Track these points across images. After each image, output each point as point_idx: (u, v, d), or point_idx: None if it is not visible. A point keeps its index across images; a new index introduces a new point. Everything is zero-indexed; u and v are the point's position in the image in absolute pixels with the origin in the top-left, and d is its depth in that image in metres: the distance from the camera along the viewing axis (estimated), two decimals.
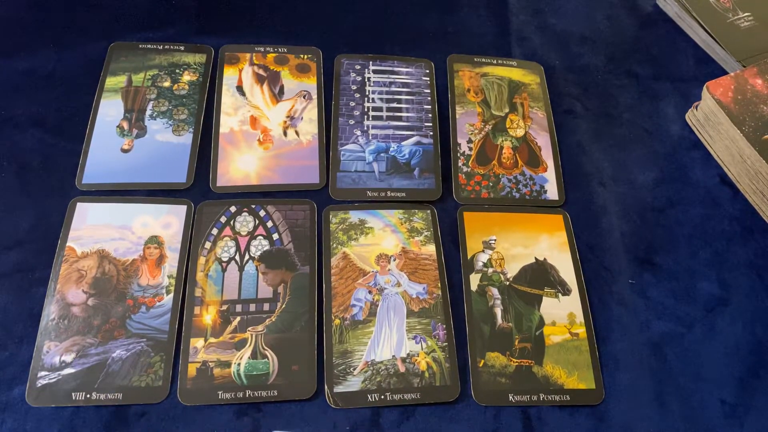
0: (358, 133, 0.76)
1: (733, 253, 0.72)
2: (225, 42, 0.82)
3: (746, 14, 0.89)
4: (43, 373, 0.58)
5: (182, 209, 0.69)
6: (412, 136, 0.77)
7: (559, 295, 0.68)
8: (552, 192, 0.75)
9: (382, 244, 0.69)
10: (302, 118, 0.77)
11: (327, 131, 0.76)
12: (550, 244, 0.71)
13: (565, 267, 0.70)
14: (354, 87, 0.80)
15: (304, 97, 0.78)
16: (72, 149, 0.71)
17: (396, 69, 0.82)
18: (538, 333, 0.65)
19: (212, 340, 0.62)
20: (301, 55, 0.82)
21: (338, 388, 0.60)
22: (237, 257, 0.67)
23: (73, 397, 0.58)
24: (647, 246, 0.72)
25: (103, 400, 0.58)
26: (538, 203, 0.74)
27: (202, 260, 0.66)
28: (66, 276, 0.63)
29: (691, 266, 0.71)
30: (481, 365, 0.63)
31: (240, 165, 0.72)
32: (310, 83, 0.80)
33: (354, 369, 0.61)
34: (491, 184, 0.75)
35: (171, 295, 0.64)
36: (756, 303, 0.69)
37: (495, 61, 0.85)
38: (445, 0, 0.91)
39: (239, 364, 0.61)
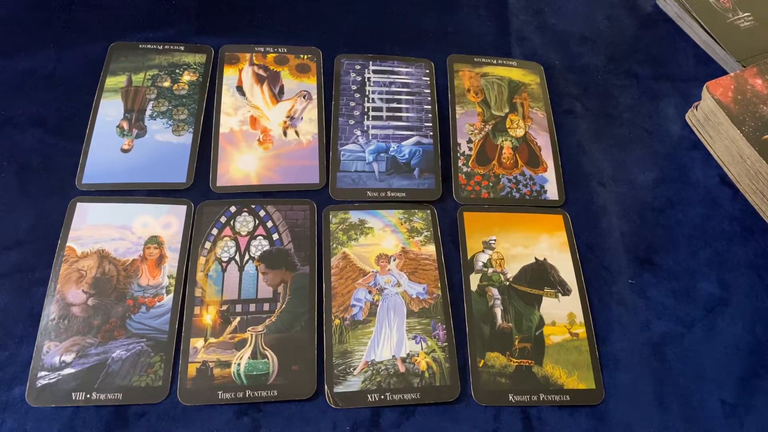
0: (358, 133, 0.77)
1: (733, 253, 0.72)
2: (225, 42, 0.82)
3: (746, 14, 0.89)
4: (43, 373, 0.58)
5: (182, 209, 0.69)
6: (412, 136, 0.77)
7: (559, 295, 0.68)
8: (552, 192, 0.75)
9: (382, 244, 0.69)
10: (302, 118, 0.77)
11: (327, 131, 0.76)
12: (550, 244, 0.71)
13: (565, 267, 0.70)
14: (354, 87, 0.80)
15: (304, 97, 0.78)
16: (72, 149, 0.71)
17: (396, 69, 0.82)
18: (538, 333, 0.65)
19: (212, 340, 0.62)
20: (301, 55, 0.82)
21: (338, 388, 0.60)
22: (237, 257, 0.67)
23: (73, 397, 0.58)
24: (647, 246, 0.72)
25: (103, 400, 0.58)
26: (538, 203, 0.74)
27: (202, 260, 0.66)
28: (66, 276, 0.63)
29: (691, 266, 0.71)
30: (481, 365, 0.63)
31: (240, 165, 0.72)
32: (310, 83, 0.80)
33: (354, 369, 0.61)
34: (491, 184, 0.75)
35: (171, 295, 0.64)
36: (756, 303, 0.69)
37: (495, 61, 0.85)
38: (445, 0, 0.91)
39: (239, 364, 0.61)
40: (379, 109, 0.79)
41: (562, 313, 0.67)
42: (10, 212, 0.67)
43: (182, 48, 0.80)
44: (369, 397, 0.60)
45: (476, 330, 0.65)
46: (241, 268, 0.66)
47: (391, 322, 0.64)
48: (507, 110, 0.81)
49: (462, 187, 0.74)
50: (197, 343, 0.61)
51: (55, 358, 0.59)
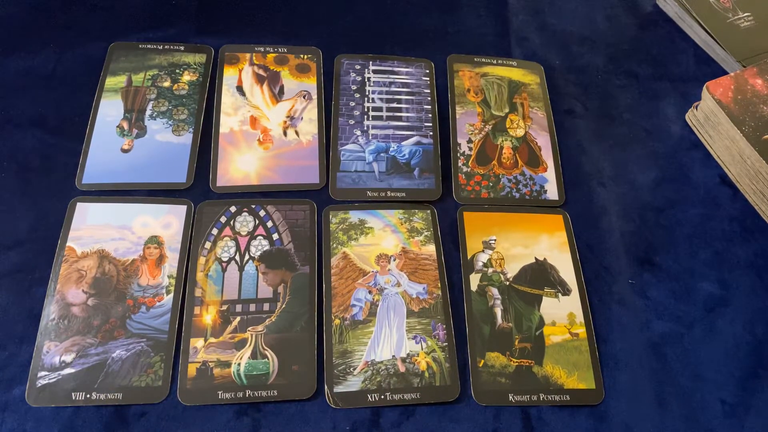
0: (358, 133, 0.77)
1: (733, 253, 0.72)
2: (225, 42, 0.82)
3: (746, 14, 0.89)
4: (43, 373, 0.58)
5: (182, 209, 0.69)
6: (412, 136, 0.77)
7: (559, 295, 0.68)
8: (552, 192, 0.75)
9: (382, 244, 0.69)
10: (302, 118, 0.77)
11: (327, 131, 0.76)
12: (550, 244, 0.71)
13: (565, 267, 0.70)
14: (354, 87, 0.80)
15: (304, 97, 0.78)
16: (72, 149, 0.71)
17: (396, 69, 0.82)
18: (538, 333, 0.65)
19: (212, 340, 0.62)
20: (301, 55, 0.82)
21: (338, 388, 0.60)
22: (237, 257, 0.67)
23: (73, 397, 0.58)
24: (647, 246, 0.72)
25: (103, 400, 0.58)
26: (538, 203, 0.74)
27: (202, 260, 0.66)
28: (66, 276, 0.63)
29: (691, 266, 0.71)
30: (481, 365, 0.63)
31: (240, 165, 0.72)
32: (310, 83, 0.80)
33: (354, 369, 0.61)
34: (491, 184, 0.75)
35: (171, 295, 0.64)
36: (756, 303, 0.69)
37: (495, 61, 0.85)
38: (445, 0, 0.91)
39: (239, 364, 0.61)
40: (379, 109, 0.79)
41: (562, 313, 0.67)
42: (10, 212, 0.67)
43: (182, 48, 0.80)
44: (369, 397, 0.60)
45: (476, 330, 0.65)
46: (241, 268, 0.66)
47: (391, 322, 0.64)
48: (507, 110, 0.81)
49: (462, 187, 0.74)
50: (197, 343, 0.61)
51: (55, 358, 0.59)
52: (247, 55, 0.81)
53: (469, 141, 0.77)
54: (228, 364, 0.60)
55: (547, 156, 0.78)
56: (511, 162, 0.77)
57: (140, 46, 0.80)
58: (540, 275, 0.69)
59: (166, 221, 0.68)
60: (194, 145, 0.73)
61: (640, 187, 0.77)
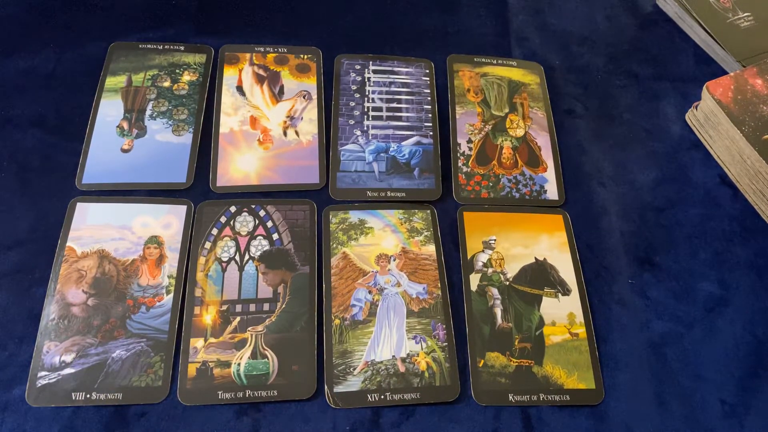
0: (358, 133, 0.77)
1: (733, 253, 0.72)
2: (225, 42, 0.82)
3: (746, 14, 0.89)
4: (43, 373, 0.58)
5: (182, 209, 0.69)
6: (412, 136, 0.77)
7: (559, 295, 0.68)
8: (552, 192, 0.75)
9: (382, 244, 0.69)
10: (302, 118, 0.77)
11: (327, 131, 0.76)
12: (550, 244, 0.71)
13: (565, 267, 0.70)
14: (354, 87, 0.80)
15: (304, 97, 0.78)
16: (72, 149, 0.71)
17: (396, 69, 0.82)
18: (538, 333, 0.65)
19: (212, 340, 0.62)
20: (301, 55, 0.82)
21: (338, 388, 0.60)
22: (237, 257, 0.67)
23: (73, 397, 0.58)
24: (647, 246, 0.72)
25: (103, 400, 0.58)
26: (538, 203, 0.74)
27: (202, 260, 0.66)
28: (66, 276, 0.63)
29: (691, 266, 0.71)
30: (481, 365, 0.63)
31: (240, 165, 0.72)
32: (310, 83, 0.80)
33: (354, 369, 0.61)
34: (491, 184, 0.75)
35: (171, 295, 0.64)
36: (756, 303, 0.69)
37: (495, 61, 0.85)
38: (445, 0, 0.91)
39: (239, 364, 0.61)
40: (379, 109, 0.79)
41: (562, 313, 0.67)
42: (10, 212, 0.67)
43: (182, 48, 0.80)
44: (369, 397, 0.60)
45: (476, 330, 0.65)
46: (241, 268, 0.66)
47: (391, 322, 0.64)
48: (507, 110, 0.81)
49: (462, 187, 0.74)
50: (197, 343, 0.61)
51: (55, 358, 0.59)
52: (247, 55, 0.81)
53: (469, 141, 0.77)
54: (228, 364, 0.60)
55: (547, 156, 0.78)
56: (511, 162, 0.77)
57: (140, 46, 0.80)
58: (540, 275, 0.69)
59: (166, 221, 0.68)
60: (194, 145, 0.73)
61: (640, 187, 0.77)
